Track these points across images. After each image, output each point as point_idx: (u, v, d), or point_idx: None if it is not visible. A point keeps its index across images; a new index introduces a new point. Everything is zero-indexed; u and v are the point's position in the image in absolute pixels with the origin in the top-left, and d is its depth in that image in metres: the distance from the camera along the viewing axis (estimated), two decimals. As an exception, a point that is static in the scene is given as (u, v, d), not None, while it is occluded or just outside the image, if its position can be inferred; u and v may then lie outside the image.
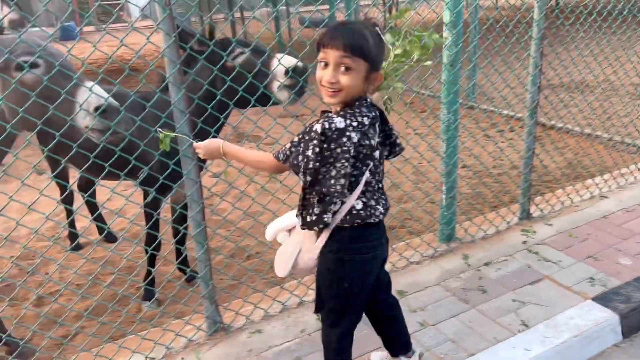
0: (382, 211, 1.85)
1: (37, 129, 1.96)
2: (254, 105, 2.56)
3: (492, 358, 2.39)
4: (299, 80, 2.53)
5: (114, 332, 2.89)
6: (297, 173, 1.72)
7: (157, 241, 2.96)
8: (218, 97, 2.44)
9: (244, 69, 2.50)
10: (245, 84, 2.41)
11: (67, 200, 3.81)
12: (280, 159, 1.77)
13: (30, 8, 20.20)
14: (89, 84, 2.04)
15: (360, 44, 1.65)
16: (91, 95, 2.01)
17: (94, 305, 2.65)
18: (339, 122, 1.66)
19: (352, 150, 1.67)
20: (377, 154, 1.82)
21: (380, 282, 2.06)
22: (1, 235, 2.47)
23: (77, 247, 3.90)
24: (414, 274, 3.06)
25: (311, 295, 2.87)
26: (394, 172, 4.50)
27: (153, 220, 2.87)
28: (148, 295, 3.16)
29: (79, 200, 4.20)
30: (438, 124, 3.26)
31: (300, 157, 1.69)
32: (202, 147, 1.99)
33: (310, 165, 1.67)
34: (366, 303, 2.07)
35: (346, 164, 1.67)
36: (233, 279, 3.14)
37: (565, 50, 3.77)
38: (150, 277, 3.13)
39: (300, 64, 2.52)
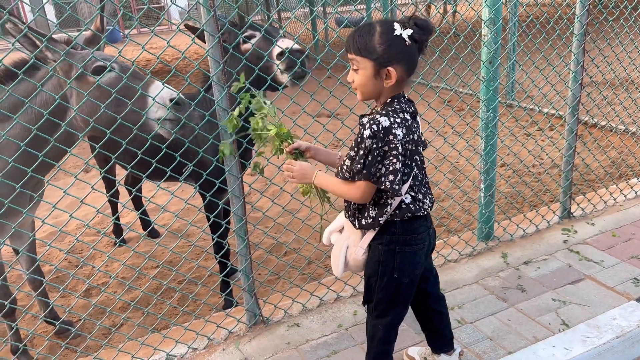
0: (429, 204, 1.91)
1: (111, 129, 2.13)
2: (266, 88, 2.57)
3: (531, 357, 2.37)
4: (296, 61, 2.51)
5: (159, 323, 3.01)
6: (374, 181, 1.74)
7: (225, 249, 2.87)
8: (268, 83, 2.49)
9: (254, 52, 2.53)
10: (260, 66, 2.47)
11: (113, 196, 3.97)
12: (349, 177, 1.78)
13: (75, 10, 20.97)
14: (159, 82, 2.19)
15: (360, 44, 1.71)
16: (164, 88, 2.15)
17: (139, 296, 2.75)
18: (384, 121, 1.71)
19: (400, 147, 1.71)
20: (421, 147, 1.86)
21: (428, 273, 2.10)
22: (54, 228, 2.60)
23: (123, 241, 4.07)
24: (451, 272, 3.06)
25: (348, 290, 2.91)
26: (431, 169, 4.49)
27: (211, 222, 2.87)
28: (228, 305, 3.09)
29: (123, 196, 4.38)
30: (476, 121, 3.25)
31: (372, 169, 1.73)
32: (298, 170, 1.97)
33: (383, 171, 1.73)
34: (414, 295, 2.11)
35: (394, 160, 1.71)
36: (272, 273, 3.21)
37: (608, 47, 3.68)
38: (227, 285, 3.09)
39: (296, 46, 2.50)
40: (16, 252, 2.72)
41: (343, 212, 2.03)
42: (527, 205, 3.99)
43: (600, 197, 3.72)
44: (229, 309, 2.87)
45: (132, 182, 4.05)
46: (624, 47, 3.72)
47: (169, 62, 11.39)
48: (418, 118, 1.87)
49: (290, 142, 2.04)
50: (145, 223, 4.17)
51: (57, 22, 1.97)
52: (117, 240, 4.05)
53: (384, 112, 1.75)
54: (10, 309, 2.56)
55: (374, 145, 1.70)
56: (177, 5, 2.27)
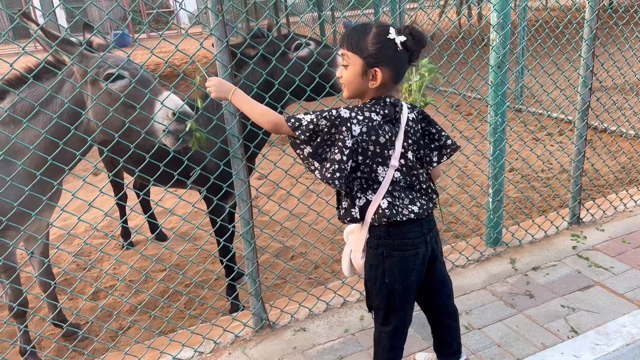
0: (417, 211, 1.85)
1: (120, 132, 2.16)
2: (311, 96, 2.61)
3: (539, 364, 2.36)
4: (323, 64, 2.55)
5: (165, 326, 3.02)
6: (298, 145, 1.79)
7: (231, 253, 2.89)
8: (275, 87, 2.52)
9: (309, 61, 2.56)
10: (320, 72, 2.50)
11: (121, 199, 3.99)
12: (290, 126, 1.78)
13: (86, 15, 21.17)
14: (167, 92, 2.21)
15: (353, 41, 1.74)
16: (170, 95, 2.18)
17: (146, 300, 2.76)
18: (344, 112, 1.76)
19: (347, 142, 1.72)
20: (410, 155, 1.84)
21: (436, 284, 2.06)
22: (63, 231, 2.62)
23: (131, 244, 4.09)
24: (459, 277, 3.04)
25: (355, 295, 2.91)
26: (438, 175, 4.47)
27: (219, 226, 2.84)
28: (235, 309, 3.09)
29: (131, 200, 4.40)
30: (485, 126, 3.23)
31: (319, 150, 1.76)
32: (215, 82, 1.95)
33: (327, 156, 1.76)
34: (425, 305, 2.11)
35: (336, 150, 1.73)
36: (278, 277, 3.21)
37: (618, 51, 3.66)
38: (233, 289, 3.09)
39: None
40: (27, 254, 2.74)
41: None
42: (536, 211, 3.96)
43: (610, 203, 3.68)
44: (236, 313, 2.87)
45: (140, 185, 4.06)
46: (634, 51, 3.70)
47: (177, 66, 11.45)
48: (410, 125, 1.84)
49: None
50: (153, 226, 4.19)
51: (67, 26, 1.99)
52: (125, 244, 4.06)
53: (351, 107, 1.80)
54: (21, 311, 2.58)
55: (326, 130, 1.73)
56: (185, 10, 2.29)
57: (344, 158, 1.73)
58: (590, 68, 3.22)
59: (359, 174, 1.80)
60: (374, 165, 1.79)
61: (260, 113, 1.86)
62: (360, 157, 1.78)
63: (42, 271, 2.76)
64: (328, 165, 1.75)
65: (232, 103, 1.96)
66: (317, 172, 1.79)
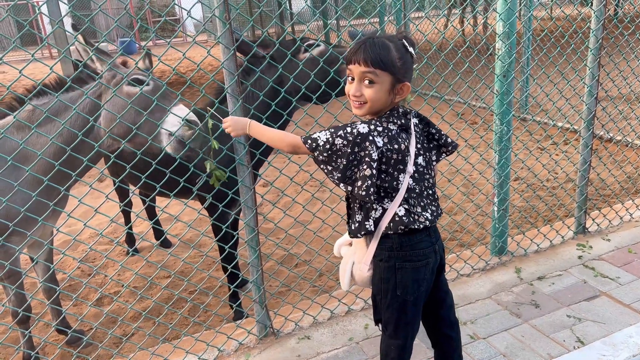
0: (430, 217, 1.85)
1: (127, 138, 2.24)
2: (321, 96, 2.61)
3: (545, 374, 2.34)
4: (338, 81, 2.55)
5: (169, 333, 3.01)
6: (321, 164, 1.78)
7: (235, 260, 2.90)
8: (286, 88, 2.53)
9: (323, 57, 2.57)
10: (333, 71, 2.51)
11: (127, 205, 3.99)
12: (308, 147, 1.79)
13: (93, 22, 21.32)
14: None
15: (380, 58, 1.70)
16: (181, 106, 2.27)
17: (151, 306, 2.76)
18: (362, 128, 1.73)
19: (374, 155, 1.71)
20: (420, 159, 1.84)
21: (443, 295, 2.05)
22: (68, 236, 2.62)
23: (136, 251, 4.09)
24: (464, 286, 3.03)
25: (359, 303, 2.90)
26: (444, 182, 4.47)
27: (223, 234, 2.86)
28: (239, 316, 3.05)
29: (136, 206, 4.41)
30: (490, 135, 3.23)
31: (347, 172, 1.75)
32: (231, 121, 1.99)
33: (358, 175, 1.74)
34: (426, 315, 2.07)
35: (365, 167, 1.71)
36: (283, 285, 3.21)
37: (624, 61, 3.66)
38: (236, 297, 3.08)
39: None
40: (32, 260, 2.75)
41: None
42: (541, 220, 3.95)
43: (616, 213, 3.67)
44: (240, 320, 2.87)
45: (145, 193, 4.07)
46: (640, 61, 3.70)
47: (183, 73, 11.51)
48: (415, 130, 1.85)
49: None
50: (158, 233, 4.19)
51: (76, 33, 2.02)
52: (130, 250, 4.07)
53: (367, 120, 1.78)
54: (25, 316, 2.58)
55: (349, 150, 1.72)
56: (192, 18, 2.30)
57: (374, 172, 1.72)
58: (596, 77, 3.22)
59: (379, 182, 1.78)
60: (396, 173, 1.78)
61: (278, 139, 1.89)
62: (384, 166, 1.77)
63: (46, 277, 2.77)
64: (360, 183, 1.73)
65: (251, 135, 1.99)
66: (349, 192, 1.79)
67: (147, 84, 2.24)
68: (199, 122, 2.25)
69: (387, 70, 1.71)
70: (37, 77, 2.21)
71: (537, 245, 3.34)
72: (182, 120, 2.19)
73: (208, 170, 2.24)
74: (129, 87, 2.23)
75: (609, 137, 5.02)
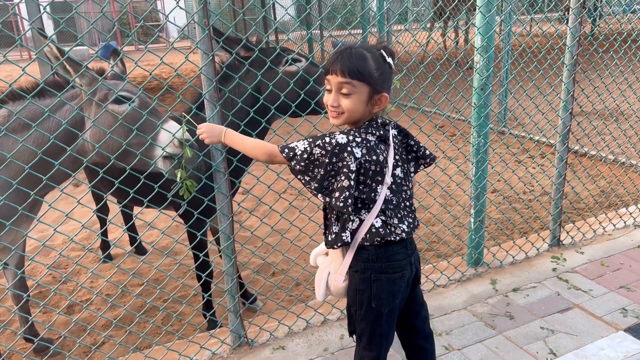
0: (406, 229, 1.84)
1: (117, 153, 2.18)
2: (295, 112, 2.60)
3: (518, 386, 2.34)
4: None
5: (141, 342, 2.95)
6: (298, 174, 1.77)
7: (210, 269, 2.88)
8: (261, 102, 2.52)
9: (300, 77, 2.56)
10: (307, 88, 2.52)
11: (102, 211, 3.92)
12: (285, 156, 1.78)
13: (74, 26, 21.07)
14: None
15: (357, 68, 1.69)
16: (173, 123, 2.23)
17: (122, 314, 2.70)
18: (341, 138, 1.72)
19: (352, 166, 1.70)
20: (398, 171, 1.84)
21: (419, 306, 2.05)
22: (38, 242, 2.56)
23: (109, 257, 4.01)
24: (439, 297, 3.03)
25: (335, 313, 2.88)
26: (421, 193, 4.49)
27: (198, 241, 2.82)
28: (212, 326, 2.99)
29: (112, 212, 4.33)
30: (468, 147, 3.26)
31: (325, 182, 1.74)
32: (206, 128, 1.97)
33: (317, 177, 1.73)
34: (401, 327, 2.06)
35: (343, 178, 1.70)
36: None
37: (598, 77, 3.74)
38: (210, 306, 3.02)
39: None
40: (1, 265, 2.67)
41: None
42: (517, 232, 3.99)
43: (590, 226, 3.73)
44: (213, 330, 2.82)
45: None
46: (614, 78, 3.78)
47: (165, 79, 11.42)
48: (394, 141, 1.85)
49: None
50: (134, 239, 4.12)
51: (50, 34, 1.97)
52: (102, 257, 3.99)
53: (345, 131, 1.77)
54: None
55: (327, 160, 1.70)
56: (174, 24, 2.28)
57: (352, 183, 1.71)
58: (571, 93, 3.29)
59: (356, 193, 1.76)
60: (373, 185, 1.77)
61: (253, 147, 1.88)
62: (361, 177, 1.75)
63: (15, 283, 2.69)
64: (337, 194, 1.72)
65: (226, 144, 1.96)
66: (327, 202, 1.77)
67: (133, 101, 2.17)
68: (195, 143, 2.22)
69: (364, 81, 1.71)
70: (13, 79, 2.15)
71: (513, 257, 3.38)
72: (179, 140, 2.16)
73: (178, 179, 2.19)
74: (113, 105, 2.16)
75: (584, 151, 5.12)
